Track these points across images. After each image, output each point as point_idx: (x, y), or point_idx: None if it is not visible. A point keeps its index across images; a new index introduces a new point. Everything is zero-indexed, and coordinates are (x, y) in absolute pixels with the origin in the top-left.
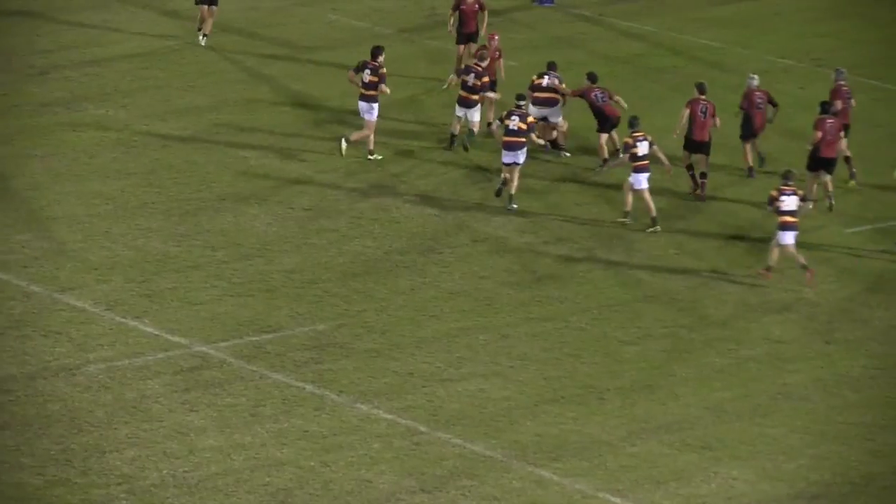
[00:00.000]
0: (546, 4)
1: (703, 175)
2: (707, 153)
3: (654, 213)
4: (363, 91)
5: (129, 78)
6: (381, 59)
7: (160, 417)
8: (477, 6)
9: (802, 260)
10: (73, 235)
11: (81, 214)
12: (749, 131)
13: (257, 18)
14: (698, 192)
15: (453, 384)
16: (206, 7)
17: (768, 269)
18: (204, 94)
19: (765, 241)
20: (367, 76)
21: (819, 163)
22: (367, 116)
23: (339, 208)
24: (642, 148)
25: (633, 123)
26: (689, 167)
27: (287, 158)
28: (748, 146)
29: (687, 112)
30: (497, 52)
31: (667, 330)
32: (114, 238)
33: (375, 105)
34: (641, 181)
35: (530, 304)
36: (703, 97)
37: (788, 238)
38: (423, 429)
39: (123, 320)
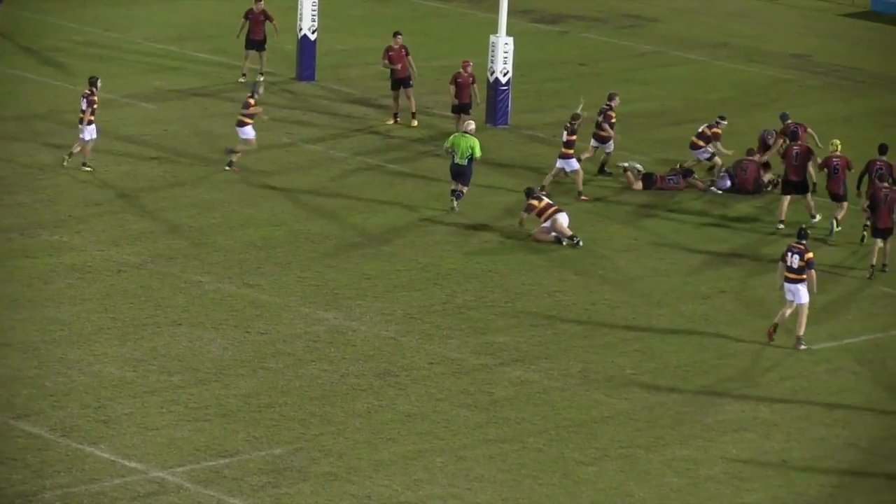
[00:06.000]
0: (499, 126)
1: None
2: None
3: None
4: (82, 116)
5: (83, 204)
6: (96, 88)
7: None
8: (471, 79)
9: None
10: (28, 362)
11: (37, 341)
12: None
13: (211, 143)
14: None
15: None
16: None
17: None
18: (158, 219)
19: (725, 359)
20: (84, 105)
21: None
22: (85, 136)
23: (294, 332)
24: None
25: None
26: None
27: (242, 282)
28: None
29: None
30: (471, 78)
31: (624, 450)
32: (69, 364)
33: (92, 127)
34: None
35: (487, 425)
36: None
37: None
38: None
39: (80, 446)
